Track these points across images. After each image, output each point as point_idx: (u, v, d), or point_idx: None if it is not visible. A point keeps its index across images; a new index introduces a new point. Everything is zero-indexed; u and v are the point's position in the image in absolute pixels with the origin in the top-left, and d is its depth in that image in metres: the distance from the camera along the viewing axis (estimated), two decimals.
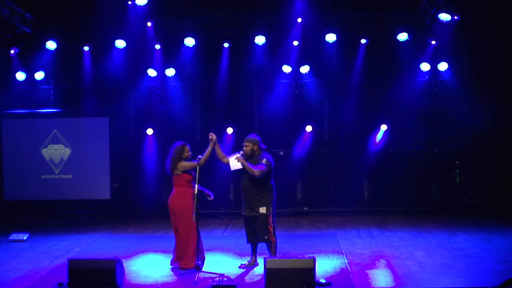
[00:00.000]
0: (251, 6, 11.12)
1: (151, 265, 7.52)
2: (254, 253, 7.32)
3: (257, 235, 7.12)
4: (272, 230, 7.03)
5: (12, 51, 11.81)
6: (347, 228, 10.14)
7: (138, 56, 11.96)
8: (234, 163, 6.98)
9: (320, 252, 7.89)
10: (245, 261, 7.39)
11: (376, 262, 7.39)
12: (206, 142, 7.25)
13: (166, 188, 12.29)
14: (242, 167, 6.97)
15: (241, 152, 7.05)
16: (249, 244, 7.35)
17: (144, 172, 12.44)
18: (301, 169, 12.29)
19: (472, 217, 10.65)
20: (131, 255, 8.08)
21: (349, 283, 6.35)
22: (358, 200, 12.19)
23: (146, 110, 12.56)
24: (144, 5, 10.79)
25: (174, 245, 7.29)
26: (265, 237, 7.02)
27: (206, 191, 7.25)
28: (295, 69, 11.89)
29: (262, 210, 7.01)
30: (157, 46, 11.85)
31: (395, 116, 11.84)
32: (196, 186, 6.82)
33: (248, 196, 7.07)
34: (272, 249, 7.06)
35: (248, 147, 7.07)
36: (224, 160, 7.19)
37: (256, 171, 6.89)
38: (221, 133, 12.10)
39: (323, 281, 6.28)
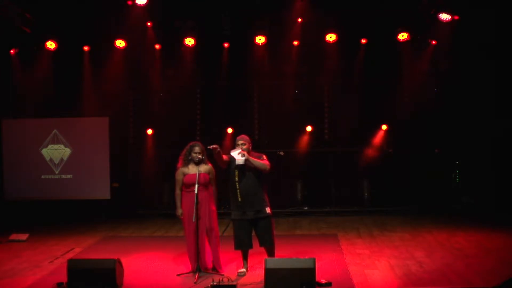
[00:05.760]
0: (251, 6, 11.12)
1: (151, 265, 7.52)
2: (247, 260, 6.98)
3: (262, 239, 6.78)
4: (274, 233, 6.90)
5: (12, 51, 11.85)
6: (347, 228, 10.13)
7: (138, 56, 11.96)
8: (238, 157, 6.64)
9: (320, 252, 7.87)
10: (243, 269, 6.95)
11: (376, 262, 7.38)
12: (206, 142, 7.24)
13: (166, 188, 12.31)
14: (244, 163, 6.65)
15: (239, 151, 6.66)
16: (241, 251, 6.90)
17: (144, 172, 12.45)
18: (301, 169, 12.30)
19: (472, 217, 10.64)
20: (131, 255, 8.06)
21: (349, 283, 6.34)
22: (358, 200, 12.19)
23: (146, 110, 12.58)
24: (144, 5, 10.79)
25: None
26: (271, 240, 6.77)
27: None
28: (295, 69, 11.89)
29: (268, 210, 6.76)
30: (157, 46, 11.88)
31: (395, 116, 11.84)
32: (196, 186, 6.80)
33: (252, 197, 6.69)
34: (272, 253, 6.84)
35: (246, 145, 6.77)
36: (224, 162, 6.79)
37: (267, 164, 6.70)
38: (221, 133, 12.12)
39: (323, 281, 6.28)
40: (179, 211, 6.95)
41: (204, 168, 6.96)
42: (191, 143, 7.10)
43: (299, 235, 9.78)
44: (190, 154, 6.97)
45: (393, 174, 12.02)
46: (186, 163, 6.98)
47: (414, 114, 11.64)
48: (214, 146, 6.50)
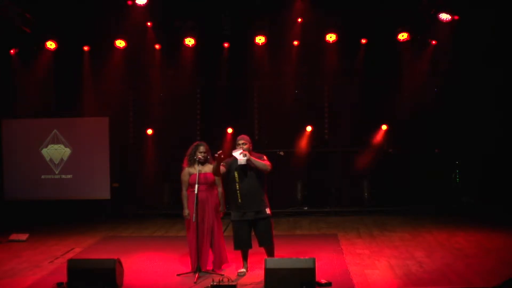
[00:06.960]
0: (251, 6, 11.12)
1: (151, 265, 7.52)
2: (247, 260, 6.98)
3: (261, 239, 6.77)
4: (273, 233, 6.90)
5: (12, 51, 11.85)
6: (347, 228, 10.13)
7: (138, 56, 11.96)
8: (240, 157, 6.59)
9: (320, 252, 7.87)
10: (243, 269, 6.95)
11: (376, 262, 7.38)
12: (206, 142, 7.22)
13: (166, 188, 12.32)
14: (246, 163, 6.61)
15: (241, 151, 6.63)
16: (240, 251, 6.89)
17: (144, 172, 12.44)
18: (301, 169, 12.29)
19: (472, 217, 10.64)
20: (131, 255, 8.06)
21: (349, 283, 6.34)
22: (358, 200, 12.18)
23: (146, 110, 12.57)
24: (144, 5, 10.79)
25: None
26: (271, 241, 6.77)
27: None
28: (295, 69, 11.90)
29: (268, 211, 6.75)
30: (157, 46, 11.88)
31: (395, 116, 11.83)
32: (196, 186, 6.78)
33: (252, 198, 6.66)
34: (272, 253, 6.84)
35: (247, 145, 6.74)
36: (220, 171, 6.71)
37: (268, 164, 6.67)
38: (221, 133, 12.11)
39: (323, 281, 6.28)
40: (186, 212, 6.94)
41: (209, 167, 6.94)
42: (196, 143, 7.09)
43: (299, 235, 9.78)
44: (195, 153, 6.95)
45: (393, 174, 12.02)
46: (191, 163, 6.97)
47: (414, 114, 11.63)
48: (219, 152, 6.50)
